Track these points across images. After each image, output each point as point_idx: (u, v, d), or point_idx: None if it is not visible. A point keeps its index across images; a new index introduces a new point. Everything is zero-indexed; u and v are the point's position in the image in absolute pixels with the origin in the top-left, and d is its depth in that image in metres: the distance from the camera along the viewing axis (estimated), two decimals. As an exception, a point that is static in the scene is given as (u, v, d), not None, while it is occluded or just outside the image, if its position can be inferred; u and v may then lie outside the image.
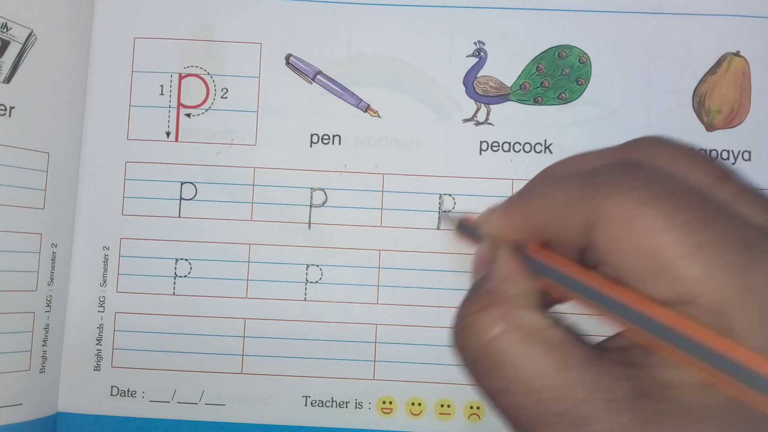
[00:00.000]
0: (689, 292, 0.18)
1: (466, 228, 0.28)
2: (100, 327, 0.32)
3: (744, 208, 0.20)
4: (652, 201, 0.19)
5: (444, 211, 0.32)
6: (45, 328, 0.31)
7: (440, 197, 0.32)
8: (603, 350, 0.20)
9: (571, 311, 0.22)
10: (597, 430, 0.19)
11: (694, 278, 0.18)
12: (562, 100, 0.32)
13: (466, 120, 0.33)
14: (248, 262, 0.32)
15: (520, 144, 0.32)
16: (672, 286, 0.18)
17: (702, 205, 0.19)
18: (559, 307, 0.25)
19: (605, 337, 0.22)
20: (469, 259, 0.33)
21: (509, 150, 0.32)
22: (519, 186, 0.32)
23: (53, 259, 0.31)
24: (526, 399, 0.20)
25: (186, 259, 0.32)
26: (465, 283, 0.32)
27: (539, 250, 0.23)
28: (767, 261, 0.18)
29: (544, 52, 0.33)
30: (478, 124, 0.33)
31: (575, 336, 0.21)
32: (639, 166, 0.20)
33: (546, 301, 0.25)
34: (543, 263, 0.22)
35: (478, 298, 0.22)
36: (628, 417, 0.18)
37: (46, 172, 0.31)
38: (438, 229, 0.32)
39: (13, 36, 0.30)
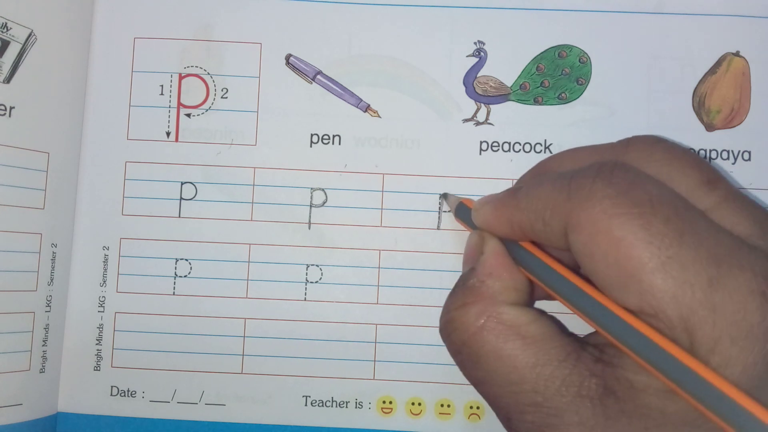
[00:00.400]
0: (655, 305, 0.18)
1: (463, 212, 0.28)
2: (100, 327, 0.32)
3: (727, 216, 0.20)
4: (626, 211, 0.19)
5: (444, 193, 0.32)
6: (45, 328, 0.31)
7: (440, 197, 0.32)
8: (582, 344, 0.21)
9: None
10: (567, 421, 0.19)
11: (660, 292, 0.18)
12: (562, 100, 0.32)
13: (466, 120, 0.33)
14: (248, 262, 0.32)
15: (520, 144, 0.32)
16: (639, 298, 0.18)
17: (678, 216, 0.19)
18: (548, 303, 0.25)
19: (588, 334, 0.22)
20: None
21: (509, 150, 0.32)
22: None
23: (53, 259, 0.31)
24: (503, 390, 0.21)
25: (186, 259, 0.32)
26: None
27: (529, 246, 0.23)
28: (734, 277, 0.18)
29: (544, 52, 0.33)
30: (478, 124, 0.33)
31: (557, 331, 0.21)
32: (620, 170, 0.20)
33: (539, 295, 0.25)
34: (528, 259, 0.23)
35: (463, 293, 0.23)
36: (595, 411, 0.19)
37: (46, 172, 0.31)
38: (438, 229, 0.32)
39: (13, 36, 0.30)
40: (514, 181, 0.32)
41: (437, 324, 0.32)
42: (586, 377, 0.20)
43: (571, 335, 0.22)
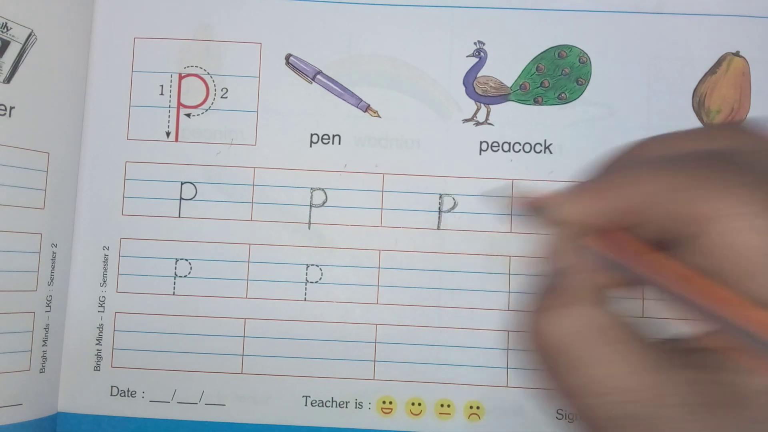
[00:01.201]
0: None
1: (537, 210, 0.26)
2: (100, 327, 0.32)
3: None
4: (764, 198, 0.18)
5: (511, 195, 0.32)
6: (45, 328, 0.31)
7: (440, 197, 0.32)
8: (676, 351, 0.20)
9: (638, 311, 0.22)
10: None
11: None
12: (562, 100, 0.32)
13: (466, 120, 0.33)
14: (248, 262, 0.32)
15: (520, 144, 0.32)
16: None
17: None
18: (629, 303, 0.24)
19: (675, 338, 0.21)
20: (466, 259, 0.33)
21: (509, 150, 0.32)
22: (519, 186, 0.32)
23: (53, 259, 0.31)
24: (598, 400, 0.19)
25: (186, 259, 0.32)
26: (462, 283, 0.32)
27: (615, 236, 0.21)
28: None
29: (544, 52, 0.33)
30: (478, 124, 0.33)
31: (647, 337, 0.20)
32: (743, 161, 0.19)
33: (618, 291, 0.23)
34: (618, 257, 0.21)
35: (551, 296, 0.22)
36: (704, 422, 0.18)
37: (46, 172, 0.31)
38: (438, 229, 0.32)
39: (13, 36, 0.30)
40: (514, 181, 0.32)
41: (437, 324, 0.32)
42: (687, 385, 0.19)
43: (663, 341, 0.21)
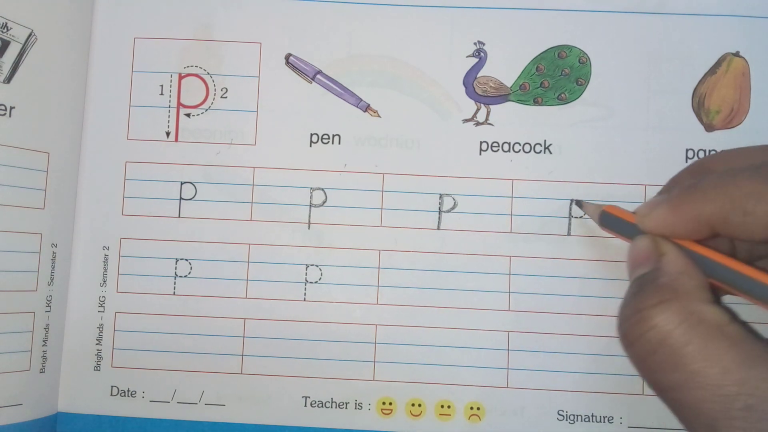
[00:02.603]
0: None
1: (611, 220, 0.27)
2: (100, 327, 0.32)
3: None
4: None
5: (579, 200, 0.32)
6: (45, 328, 0.31)
7: (440, 197, 0.32)
8: None
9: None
10: None
11: None
12: (562, 101, 0.32)
13: (466, 120, 0.33)
14: (248, 262, 0.32)
15: (519, 144, 0.32)
16: None
17: None
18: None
19: None
20: (466, 259, 0.33)
21: (509, 150, 0.32)
22: (519, 186, 0.32)
23: (53, 259, 0.31)
24: (709, 393, 0.19)
25: (186, 259, 0.32)
26: (462, 283, 0.32)
27: (697, 246, 0.22)
28: None
29: (544, 52, 0.33)
30: (478, 124, 0.33)
31: (754, 331, 0.20)
32: None
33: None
34: (709, 260, 0.22)
35: (655, 291, 0.21)
36: None
37: (46, 172, 0.31)
38: (438, 229, 0.32)
39: (13, 36, 0.30)
40: (514, 181, 0.32)
41: (437, 324, 0.32)
42: None
43: (765, 338, 0.21)
